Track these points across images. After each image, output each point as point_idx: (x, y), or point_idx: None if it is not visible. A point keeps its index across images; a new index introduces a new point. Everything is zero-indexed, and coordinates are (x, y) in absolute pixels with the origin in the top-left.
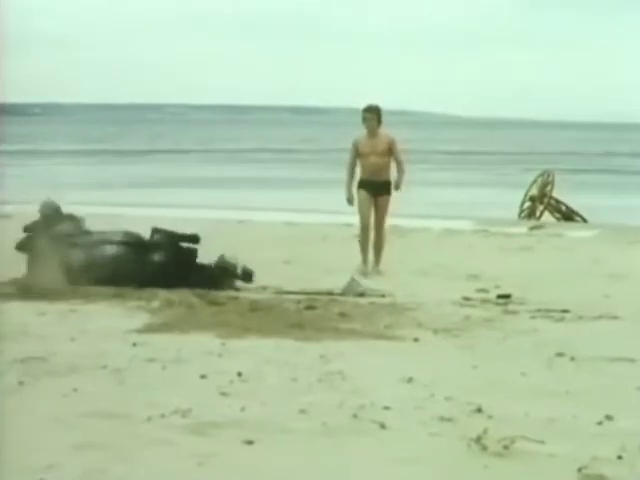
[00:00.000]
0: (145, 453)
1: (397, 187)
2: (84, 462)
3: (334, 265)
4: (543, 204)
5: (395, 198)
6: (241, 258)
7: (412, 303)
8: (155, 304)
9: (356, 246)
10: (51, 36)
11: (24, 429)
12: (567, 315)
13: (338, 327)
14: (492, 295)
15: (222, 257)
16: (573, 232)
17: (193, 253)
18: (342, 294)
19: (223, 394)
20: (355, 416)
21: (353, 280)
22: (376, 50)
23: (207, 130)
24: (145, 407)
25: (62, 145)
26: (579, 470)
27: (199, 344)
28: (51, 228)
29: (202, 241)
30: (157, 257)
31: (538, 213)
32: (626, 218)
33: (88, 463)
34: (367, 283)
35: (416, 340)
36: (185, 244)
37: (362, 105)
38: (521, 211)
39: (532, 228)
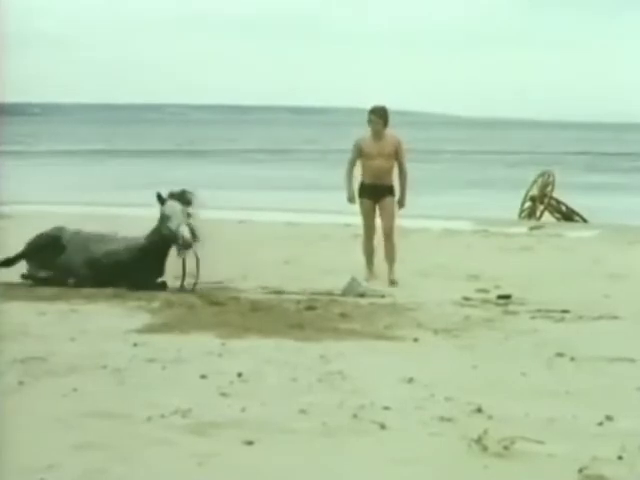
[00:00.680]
0: (145, 453)
1: (401, 204)
2: (84, 462)
3: (334, 265)
4: (543, 204)
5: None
6: (241, 258)
7: (412, 303)
8: (155, 304)
9: (356, 246)
10: (51, 36)
11: (24, 429)
12: (567, 315)
13: (338, 327)
14: (492, 295)
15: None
16: (573, 232)
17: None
18: (342, 294)
19: (223, 394)
20: (355, 416)
21: (353, 280)
22: (376, 50)
23: (207, 130)
24: (145, 407)
25: (62, 145)
26: (579, 470)
27: (199, 344)
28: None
29: (202, 241)
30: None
31: (538, 213)
32: (626, 218)
33: (88, 463)
34: (367, 283)
35: (416, 340)
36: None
37: (362, 105)
38: (521, 211)
39: (532, 228)
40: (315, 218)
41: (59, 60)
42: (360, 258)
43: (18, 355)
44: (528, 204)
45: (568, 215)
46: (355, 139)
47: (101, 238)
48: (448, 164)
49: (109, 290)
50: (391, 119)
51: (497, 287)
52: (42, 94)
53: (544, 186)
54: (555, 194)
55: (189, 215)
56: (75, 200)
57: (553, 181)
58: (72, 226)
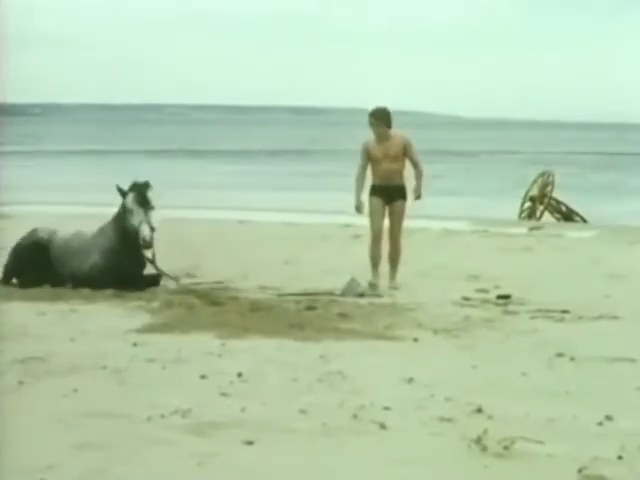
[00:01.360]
0: (145, 453)
1: (418, 196)
2: (84, 462)
3: (334, 265)
4: (543, 204)
5: None
6: (241, 258)
7: (412, 303)
8: (155, 304)
9: (356, 246)
10: (51, 36)
11: (24, 429)
12: (567, 315)
13: (338, 327)
14: (492, 295)
15: None
16: (573, 232)
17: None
18: (342, 294)
19: (223, 394)
20: (355, 416)
21: (353, 280)
22: (376, 50)
23: (206, 130)
24: (145, 407)
25: (62, 146)
26: (579, 470)
27: (199, 344)
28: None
29: (203, 241)
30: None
31: (538, 213)
32: (626, 218)
33: (88, 463)
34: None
35: (416, 340)
36: None
37: (362, 105)
38: (521, 211)
39: (532, 228)
40: (315, 218)
41: (59, 60)
42: (360, 258)
43: (18, 355)
44: (528, 204)
45: (568, 215)
46: (363, 142)
47: (74, 248)
48: (449, 163)
49: (109, 290)
50: (394, 119)
51: (497, 287)
52: (42, 94)
53: (544, 186)
54: (555, 194)
55: (149, 209)
56: (75, 200)
57: (553, 181)
58: (73, 226)
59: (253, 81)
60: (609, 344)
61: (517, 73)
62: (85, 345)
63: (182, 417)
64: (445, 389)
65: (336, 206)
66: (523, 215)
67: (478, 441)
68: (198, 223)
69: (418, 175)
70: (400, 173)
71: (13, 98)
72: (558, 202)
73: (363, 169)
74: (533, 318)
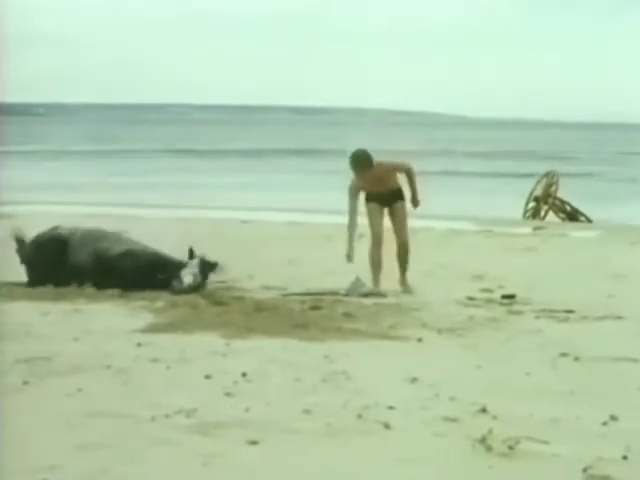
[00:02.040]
0: (149, 453)
1: (415, 203)
2: (87, 462)
3: (338, 265)
4: (547, 204)
5: None
6: (245, 258)
7: (416, 303)
8: (159, 304)
9: (361, 246)
10: (52, 36)
11: (28, 429)
12: (571, 315)
13: (342, 327)
14: (496, 295)
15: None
16: (577, 232)
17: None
18: (346, 294)
19: (227, 394)
20: (359, 416)
21: (357, 280)
22: (376, 50)
23: (210, 130)
24: (149, 407)
25: (67, 145)
26: (584, 470)
27: (203, 344)
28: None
29: (206, 241)
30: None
31: (542, 213)
32: (631, 218)
33: (91, 463)
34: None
35: (420, 340)
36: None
37: (365, 104)
38: (525, 211)
39: (536, 228)
40: (319, 218)
41: (61, 60)
42: (364, 258)
43: (22, 355)
44: (532, 204)
45: (572, 215)
46: (349, 186)
47: (100, 233)
48: (449, 163)
49: (113, 290)
50: (394, 119)
51: (501, 287)
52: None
53: (548, 186)
54: (559, 194)
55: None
56: (78, 200)
57: (557, 181)
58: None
59: (254, 81)
60: (613, 344)
61: (517, 73)
62: (89, 345)
63: (186, 417)
64: (449, 389)
65: (340, 206)
66: (527, 215)
67: (483, 441)
68: (201, 223)
69: (410, 179)
70: (393, 178)
71: (16, 98)
72: (562, 202)
73: (354, 212)
74: (537, 318)
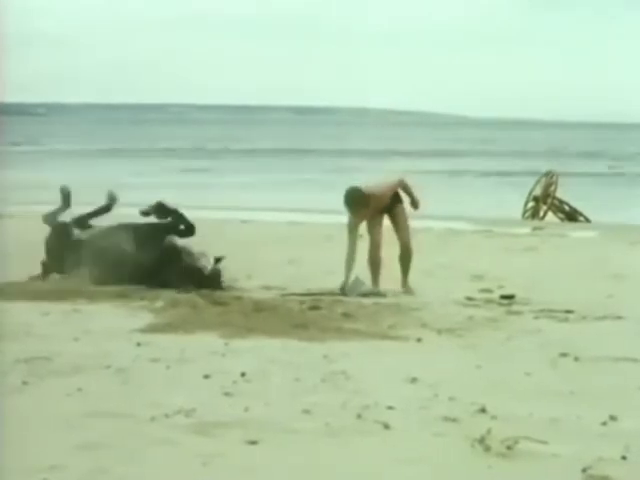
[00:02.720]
0: (149, 453)
1: (415, 207)
2: (88, 462)
3: (338, 265)
4: (547, 204)
5: None
6: (244, 258)
7: (416, 303)
8: (159, 304)
9: (361, 246)
10: (52, 36)
11: (28, 429)
12: (571, 315)
13: (342, 327)
14: (496, 295)
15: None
16: (576, 232)
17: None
18: (344, 294)
19: (227, 394)
20: (359, 416)
21: (357, 280)
22: (376, 50)
23: (208, 130)
24: (149, 407)
25: (67, 145)
26: (583, 470)
27: (203, 344)
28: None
29: (205, 241)
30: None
31: (542, 213)
32: (630, 218)
33: (91, 463)
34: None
35: (420, 340)
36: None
37: (365, 104)
38: (524, 211)
39: (535, 228)
40: (319, 218)
41: (61, 60)
42: (364, 258)
43: (22, 355)
44: (531, 204)
45: (571, 215)
46: (348, 222)
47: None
48: (450, 163)
49: (113, 290)
50: (395, 119)
51: (501, 287)
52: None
53: (547, 186)
54: (558, 194)
55: None
56: (78, 200)
57: (556, 181)
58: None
59: (254, 81)
60: (613, 344)
61: (518, 73)
62: (89, 345)
63: (186, 417)
64: (449, 389)
65: (340, 206)
66: (526, 215)
67: (482, 441)
68: (201, 222)
69: (405, 188)
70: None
71: (17, 98)
72: (561, 202)
73: (353, 245)
74: (537, 318)
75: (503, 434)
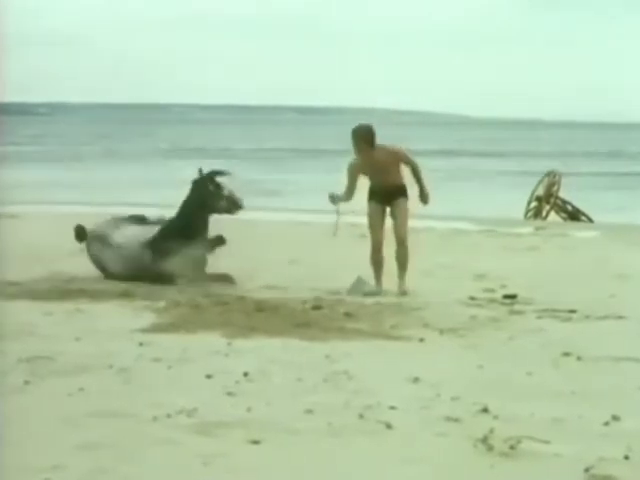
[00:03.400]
0: (151, 453)
1: (425, 200)
2: (89, 462)
3: (340, 265)
4: (549, 204)
5: None
6: (246, 258)
7: (418, 303)
8: (161, 304)
9: (363, 245)
10: (52, 36)
11: (30, 429)
12: (573, 315)
13: (344, 327)
14: (498, 295)
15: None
16: (579, 232)
17: None
18: (348, 294)
19: (229, 394)
20: (361, 416)
21: (359, 280)
22: (377, 50)
23: (210, 130)
24: (151, 407)
25: (68, 145)
26: (586, 470)
27: (205, 344)
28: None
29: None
30: None
31: (544, 213)
32: (632, 218)
33: (93, 463)
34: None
35: (422, 340)
36: None
37: (368, 104)
38: (527, 211)
39: (538, 228)
40: (321, 217)
41: (61, 60)
42: (366, 257)
43: (24, 354)
44: (534, 204)
45: (574, 215)
46: (348, 163)
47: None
48: (452, 162)
49: (115, 289)
50: (397, 119)
51: (503, 287)
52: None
53: (550, 186)
54: (561, 193)
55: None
56: (80, 200)
57: (559, 181)
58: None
59: (256, 81)
60: (615, 344)
61: (518, 73)
62: (91, 345)
63: (188, 417)
64: (451, 389)
65: (342, 205)
66: (529, 215)
67: (484, 441)
68: None
69: (415, 172)
70: (396, 172)
71: (18, 97)
72: (564, 201)
73: (349, 191)
74: (539, 318)
75: (505, 434)
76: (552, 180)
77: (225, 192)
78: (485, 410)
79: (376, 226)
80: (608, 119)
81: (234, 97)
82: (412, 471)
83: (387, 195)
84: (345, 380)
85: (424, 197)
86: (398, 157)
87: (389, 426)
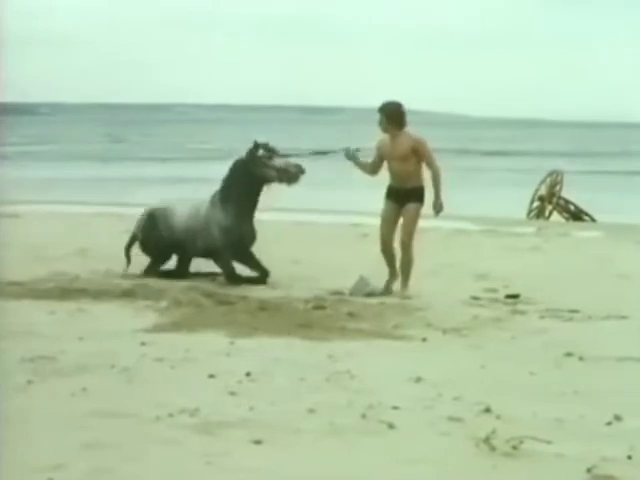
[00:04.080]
0: (153, 453)
1: (438, 210)
2: (92, 461)
3: (342, 265)
4: (552, 204)
5: None
6: None
7: (421, 303)
8: (163, 303)
9: (365, 245)
10: (52, 36)
11: (32, 428)
12: (576, 315)
13: (346, 327)
14: (501, 295)
15: None
16: (582, 232)
17: None
18: (350, 294)
19: (231, 393)
20: (363, 416)
21: (362, 280)
22: (378, 50)
23: (213, 129)
24: (153, 406)
25: (70, 145)
26: (588, 470)
27: (208, 343)
28: None
29: None
30: None
31: (547, 213)
32: (635, 218)
33: (96, 462)
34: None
35: (424, 340)
36: None
37: (372, 104)
38: (530, 211)
39: (541, 228)
40: (323, 218)
41: (62, 60)
42: (369, 257)
43: (27, 354)
44: (536, 204)
45: (576, 215)
46: (378, 140)
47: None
48: (454, 162)
49: (118, 289)
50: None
51: (506, 287)
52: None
53: (552, 186)
54: (563, 193)
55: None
56: (81, 199)
57: (561, 180)
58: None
59: (258, 81)
60: (618, 344)
61: (518, 73)
62: (94, 344)
63: (190, 416)
64: (453, 389)
65: (345, 205)
66: (531, 215)
67: (486, 441)
68: None
69: (434, 177)
70: (413, 174)
71: (19, 97)
72: (567, 201)
73: (373, 165)
74: (542, 318)
75: (508, 434)
76: (554, 180)
77: (275, 162)
78: (487, 410)
79: (385, 224)
80: (609, 119)
81: (234, 97)
82: (414, 471)
83: (402, 196)
84: (347, 380)
85: (437, 207)
86: (420, 149)
87: (391, 426)
